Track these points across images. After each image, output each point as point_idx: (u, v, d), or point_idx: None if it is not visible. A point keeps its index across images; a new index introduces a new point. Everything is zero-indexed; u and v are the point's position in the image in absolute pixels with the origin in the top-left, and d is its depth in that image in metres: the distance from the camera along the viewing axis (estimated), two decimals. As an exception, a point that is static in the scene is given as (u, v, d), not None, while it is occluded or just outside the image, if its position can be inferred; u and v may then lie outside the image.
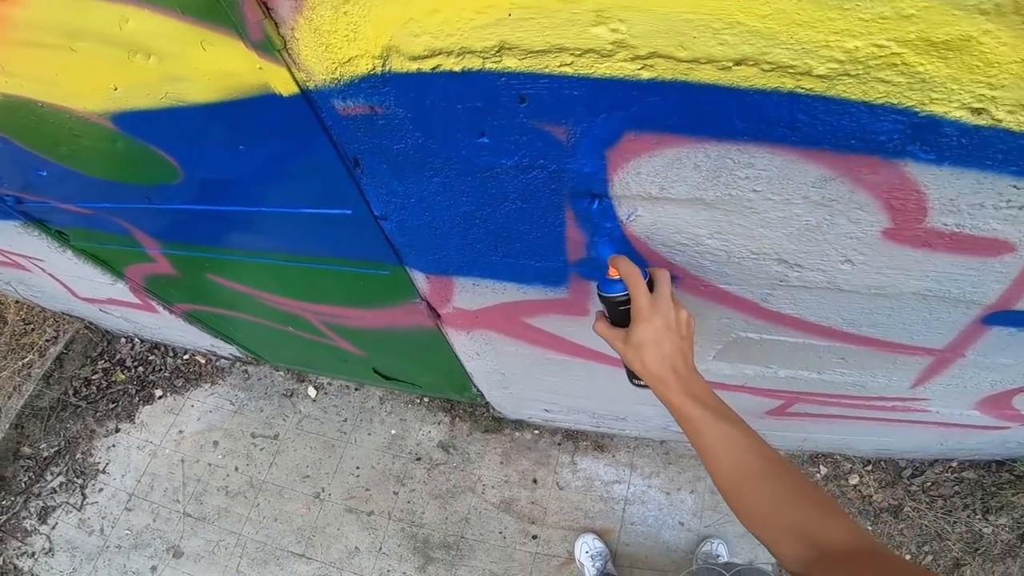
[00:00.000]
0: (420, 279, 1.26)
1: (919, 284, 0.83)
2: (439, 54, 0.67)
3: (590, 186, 0.81)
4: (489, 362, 1.66)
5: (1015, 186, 0.63)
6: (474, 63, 0.67)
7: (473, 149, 0.81)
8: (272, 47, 0.72)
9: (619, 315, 0.80)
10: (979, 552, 2.02)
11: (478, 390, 2.04)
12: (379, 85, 0.74)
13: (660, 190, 0.77)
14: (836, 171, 0.67)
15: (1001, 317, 0.89)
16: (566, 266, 1.03)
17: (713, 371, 1.33)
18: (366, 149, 0.89)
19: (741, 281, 0.93)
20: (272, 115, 0.88)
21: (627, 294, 0.77)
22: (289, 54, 0.74)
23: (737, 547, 2.12)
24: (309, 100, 0.82)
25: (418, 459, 2.46)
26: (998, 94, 0.53)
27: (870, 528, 2.13)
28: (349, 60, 0.72)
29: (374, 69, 0.72)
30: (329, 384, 2.72)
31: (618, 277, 0.78)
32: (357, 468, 2.50)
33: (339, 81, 0.76)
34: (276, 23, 0.70)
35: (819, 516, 0.64)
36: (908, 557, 2.06)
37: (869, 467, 2.16)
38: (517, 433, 2.41)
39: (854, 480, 2.16)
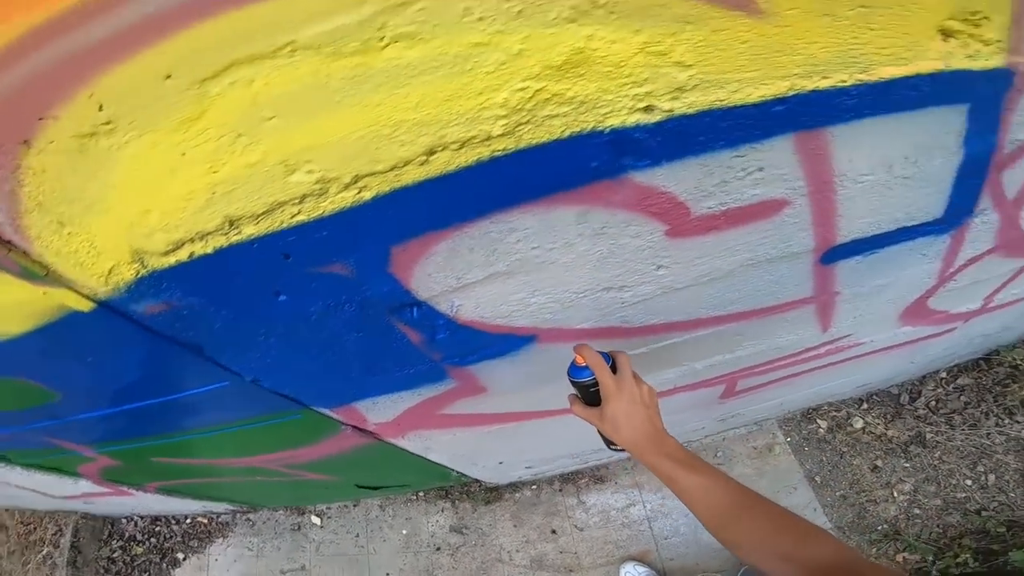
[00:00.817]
0: (329, 411, 1.25)
1: (736, 259, 0.85)
2: (184, 244, 0.68)
3: (400, 300, 0.82)
4: (442, 451, 1.64)
5: (737, 155, 0.66)
6: (219, 241, 0.68)
7: (280, 308, 0.81)
8: (36, 275, 0.71)
9: (590, 396, 0.88)
10: (1037, 456, 1.96)
11: (458, 472, 2.01)
12: (156, 283, 0.75)
13: (458, 280, 0.78)
14: (585, 204, 0.69)
15: (835, 253, 0.90)
16: (437, 363, 1.03)
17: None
18: (194, 335, 0.89)
19: (588, 317, 0.93)
20: (92, 328, 0.87)
21: (595, 378, 0.85)
22: (59, 276, 0.74)
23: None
24: (112, 309, 0.82)
25: (438, 549, 2.43)
26: (649, 88, 0.56)
27: (907, 466, 2.07)
28: (111, 271, 0.72)
29: (139, 272, 0.73)
30: (328, 508, 2.70)
31: (584, 364, 0.85)
32: (387, 575, 2.48)
33: (119, 289, 0.76)
34: (25, 252, 0.68)
35: (801, 540, 0.69)
36: (968, 483, 2.00)
37: (865, 406, 2.13)
38: (517, 494, 2.37)
39: (859, 424, 2.12)
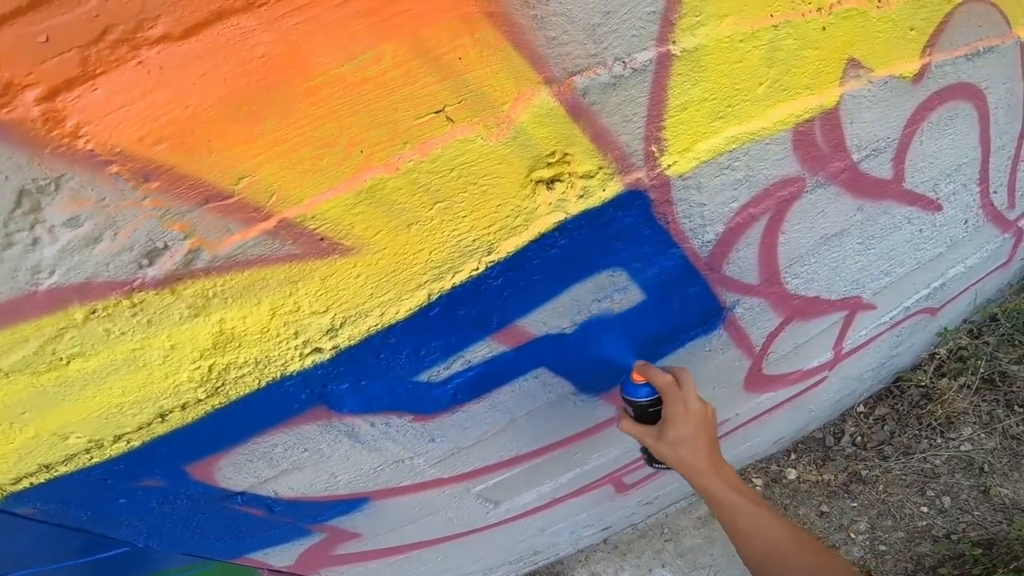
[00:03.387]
0: (235, 560, 1.38)
1: (506, 416, 0.97)
2: (21, 479, 0.85)
3: (219, 494, 0.95)
4: (374, 578, 1.73)
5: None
6: (45, 476, 0.85)
7: (125, 506, 0.97)
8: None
9: (647, 415, 0.86)
10: (984, 469, 1.96)
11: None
12: (19, 499, 0.89)
13: (257, 478, 0.92)
14: (320, 420, 0.84)
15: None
16: (293, 525, 1.14)
17: (525, 502, 1.37)
18: (73, 522, 1.05)
19: (403, 478, 1.05)
20: (-2, 520, 1.05)
21: (655, 397, 0.85)
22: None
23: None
24: (3, 511, 0.99)
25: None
26: (304, 337, 0.69)
27: (854, 505, 2.06)
28: (-23, 495, 0.90)
29: (3, 494, 0.89)
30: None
31: (643, 382, 0.85)
32: None
33: (-3, 501, 0.93)
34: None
35: None
36: (924, 509, 1.98)
37: (793, 456, 2.15)
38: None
39: (792, 474, 2.14)
